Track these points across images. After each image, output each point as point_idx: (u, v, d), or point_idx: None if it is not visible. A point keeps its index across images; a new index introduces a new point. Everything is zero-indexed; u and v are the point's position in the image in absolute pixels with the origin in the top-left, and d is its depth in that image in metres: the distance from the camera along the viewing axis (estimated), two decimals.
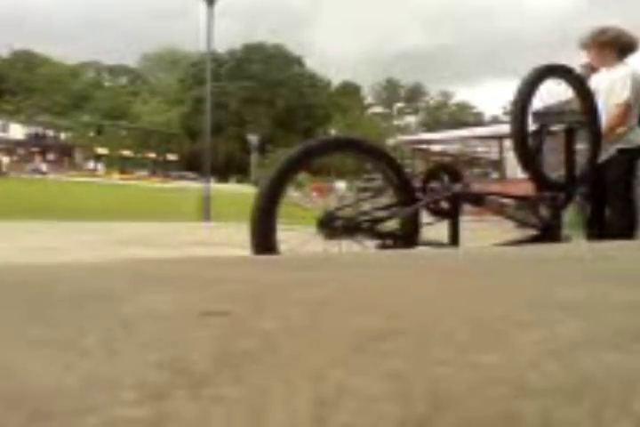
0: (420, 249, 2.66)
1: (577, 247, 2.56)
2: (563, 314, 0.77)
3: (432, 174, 2.87)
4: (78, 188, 25.32)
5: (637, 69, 4.02)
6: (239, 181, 60.80)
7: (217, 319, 0.71)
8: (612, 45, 4.01)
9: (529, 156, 2.99)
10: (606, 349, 0.59)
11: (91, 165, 65.59)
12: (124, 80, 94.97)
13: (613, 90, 3.92)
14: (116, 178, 47.23)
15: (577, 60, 4.35)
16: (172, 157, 75.61)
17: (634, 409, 0.42)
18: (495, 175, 20.04)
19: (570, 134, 3.19)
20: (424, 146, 21.98)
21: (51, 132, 66.01)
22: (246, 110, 74.19)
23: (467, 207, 2.99)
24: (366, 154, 2.65)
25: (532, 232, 3.04)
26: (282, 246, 2.37)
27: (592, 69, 4.19)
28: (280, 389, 0.45)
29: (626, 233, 3.78)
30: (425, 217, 2.82)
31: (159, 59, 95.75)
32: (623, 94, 3.88)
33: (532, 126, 3.09)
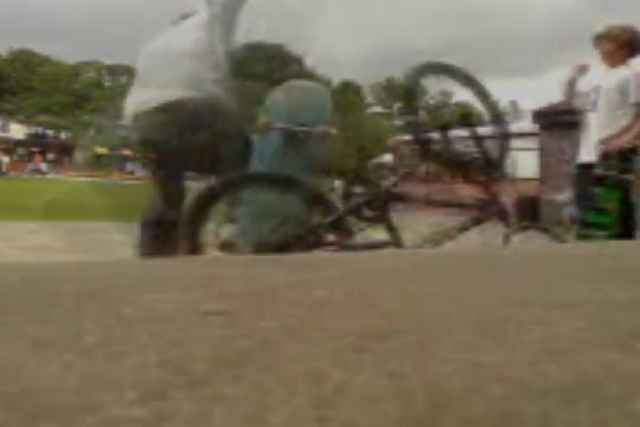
0: (420, 250, 2.66)
1: (577, 246, 2.56)
2: (563, 314, 0.77)
3: (356, 178, 2.80)
4: (79, 187, 25.29)
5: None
6: None
7: (216, 319, 0.71)
8: (629, 46, 4.01)
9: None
10: (606, 349, 0.59)
11: (128, 167, 60.81)
12: (124, 80, 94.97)
13: (627, 89, 3.91)
14: (116, 178, 47.21)
15: (578, 58, 4.32)
16: None
17: (634, 409, 0.41)
18: None
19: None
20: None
21: (51, 132, 65.86)
22: (246, 110, 74.18)
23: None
24: (283, 186, 2.57)
25: (472, 214, 2.85)
26: None
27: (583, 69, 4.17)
28: (280, 389, 0.45)
29: (625, 233, 3.78)
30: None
31: None
32: None
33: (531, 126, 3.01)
